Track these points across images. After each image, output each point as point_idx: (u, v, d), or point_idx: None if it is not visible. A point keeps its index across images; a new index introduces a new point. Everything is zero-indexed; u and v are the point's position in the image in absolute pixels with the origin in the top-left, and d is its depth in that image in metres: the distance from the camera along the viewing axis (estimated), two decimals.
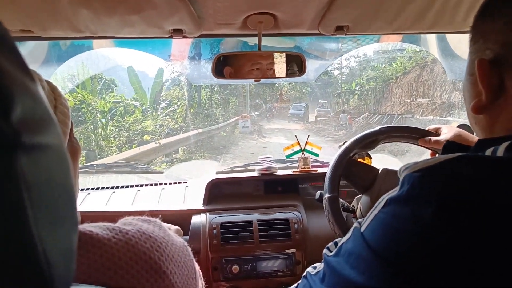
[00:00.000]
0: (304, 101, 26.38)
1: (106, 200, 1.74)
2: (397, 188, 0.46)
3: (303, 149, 1.91)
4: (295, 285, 0.69)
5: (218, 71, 1.32)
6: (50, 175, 0.28)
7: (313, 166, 1.94)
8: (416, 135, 1.16)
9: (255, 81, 1.37)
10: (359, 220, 0.52)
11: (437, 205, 0.40)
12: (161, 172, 2.36)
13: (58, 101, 0.52)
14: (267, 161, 1.86)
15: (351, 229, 0.51)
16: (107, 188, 1.90)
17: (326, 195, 1.12)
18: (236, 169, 2.12)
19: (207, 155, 10.72)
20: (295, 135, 1.98)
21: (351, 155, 1.17)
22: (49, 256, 0.26)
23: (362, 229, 0.47)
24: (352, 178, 1.16)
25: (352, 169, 1.16)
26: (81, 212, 1.54)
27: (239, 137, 14.96)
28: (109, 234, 0.49)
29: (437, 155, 0.53)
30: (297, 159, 1.93)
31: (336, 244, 0.68)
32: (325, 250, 0.60)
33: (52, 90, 0.53)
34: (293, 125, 21.43)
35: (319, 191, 1.19)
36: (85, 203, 1.72)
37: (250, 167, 2.11)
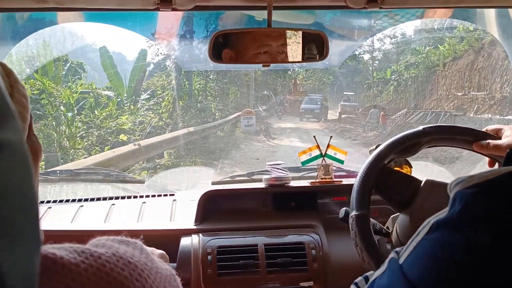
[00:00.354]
0: (325, 93, 26.35)
1: (72, 216, 1.76)
2: (446, 208, 0.46)
3: (323, 154, 1.91)
4: None
5: (216, 54, 1.31)
6: (8, 181, 0.27)
7: (336, 176, 1.93)
8: (470, 138, 1.17)
9: (263, 66, 1.37)
10: (397, 249, 0.52)
11: (499, 231, 0.40)
12: (142, 182, 2.40)
13: (14, 89, 0.52)
14: (277, 168, 1.87)
15: (387, 260, 0.52)
16: (74, 200, 1.91)
17: (353, 213, 1.13)
18: (237, 178, 2.13)
19: (200, 161, 10.76)
20: (314, 136, 1.99)
21: (385, 163, 1.19)
22: (7, 282, 0.26)
23: (401, 261, 0.47)
24: (386, 191, 1.18)
25: (386, 180, 1.17)
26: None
27: (241, 139, 14.85)
28: (78, 258, 0.48)
29: (497, 165, 0.52)
30: (316, 166, 1.93)
31: (366, 279, 0.68)
32: (352, 287, 0.58)
33: (7, 74, 0.52)
34: (309, 124, 21.55)
35: (344, 208, 1.21)
36: (45, 219, 1.72)
37: (255, 177, 2.12)
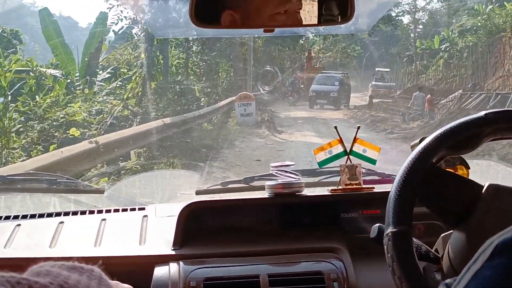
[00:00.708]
0: (349, 70, 26.24)
1: (6, 237, 1.76)
2: None
3: (348, 151, 1.95)
4: None
5: (203, 15, 1.31)
6: None
7: (366, 182, 1.96)
8: None
9: (264, 31, 1.39)
10: (447, 281, 0.55)
11: None
12: (101, 191, 2.42)
13: None
14: (286, 172, 1.90)
15: None
16: (7, 218, 1.92)
17: (390, 230, 1.14)
18: (231, 186, 2.18)
19: (181, 163, 10.90)
20: (335, 127, 2.02)
21: (433, 162, 1.20)
22: None
23: None
24: (435, 201, 1.19)
25: (435, 186, 1.19)
26: None
27: (236, 133, 14.97)
28: None
29: None
30: (337, 168, 1.96)
31: None
32: None
33: None
34: (327, 112, 21.55)
35: (377, 225, 1.23)
36: None
37: (255, 183, 2.16)
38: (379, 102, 22.31)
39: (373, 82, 27.12)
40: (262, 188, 1.95)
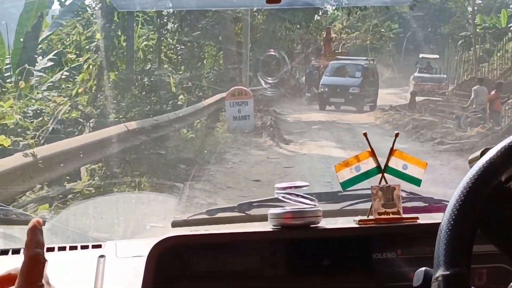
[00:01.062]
0: (382, 56, 26.14)
1: None
2: None
3: (383, 168, 1.98)
4: None
5: None
6: None
7: (407, 210, 1.98)
8: None
9: (267, 2, 1.42)
10: None
11: None
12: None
13: None
14: (297, 196, 1.92)
15: None
16: None
17: (441, 273, 1.15)
18: (220, 215, 2.20)
19: (150, 183, 11.01)
20: (364, 135, 2.04)
21: (501, 181, 1.21)
22: None
23: None
24: (504, 234, 1.21)
25: (504, 214, 1.20)
26: None
27: (227, 142, 15.10)
28: None
29: None
30: (367, 191, 2.00)
31: None
32: None
33: None
34: (353, 115, 21.28)
35: (423, 269, 1.23)
36: None
37: (253, 211, 2.20)
38: (425, 101, 22.55)
39: (416, 74, 27.01)
40: (264, 218, 1.96)
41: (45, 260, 1.04)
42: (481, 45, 25.96)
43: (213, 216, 2.12)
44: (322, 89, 22.48)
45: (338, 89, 22.48)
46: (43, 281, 1.09)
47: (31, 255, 1.09)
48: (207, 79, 18.46)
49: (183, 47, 18.60)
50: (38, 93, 14.13)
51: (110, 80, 15.19)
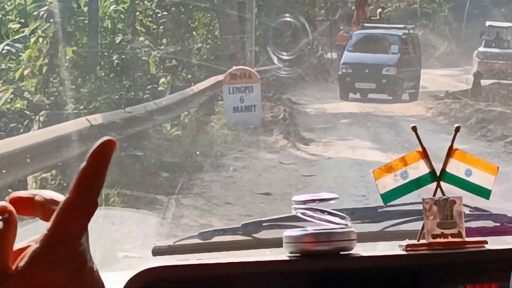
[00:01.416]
0: (436, 24, 26.21)
1: None
2: None
3: (439, 174, 2.04)
4: None
5: None
6: None
7: (471, 232, 2.03)
8: None
9: None
10: None
11: None
12: None
13: None
14: (321, 212, 2.00)
15: None
16: None
17: None
18: (217, 239, 2.30)
19: (123, 197, 11.73)
20: (413, 128, 2.10)
21: None
22: None
23: None
24: None
25: None
26: None
27: (226, 142, 16.32)
28: None
29: None
30: (418, 207, 2.09)
31: None
32: None
33: None
34: (397, 106, 21.24)
35: None
36: None
37: (262, 234, 2.30)
38: (493, 85, 24.17)
39: (482, 48, 27.22)
40: (277, 243, 2.08)
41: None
42: None
43: (209, 241, 2.24)
44: (343, 70, 22.10)
45: (366, 69, 22.17)
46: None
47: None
48: (197, 55, 19.47)
49: (165, 13, 19.19)
50: None
51: (67, 58, 16.08)
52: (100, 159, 0.91)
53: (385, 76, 21.12)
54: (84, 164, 0.94)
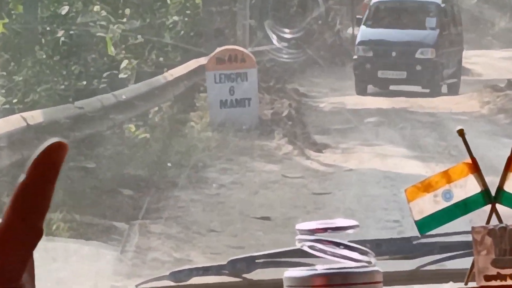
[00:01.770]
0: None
1: None
2: None
3: (495, 194, 2.09)
4: None
5: None
6: None
7: None
8: None
9: None
10: None
11: None
12: None
13: None
14: (335, 245, 1.92)
15: None
16: None
17: None
18: (196, 280, 2.60)
19: (70, 223, 11.44)
20: (459, 132, 2.13)
21: None
22: None
23: None
24: None
25: None
26: None
27: (210, 148, 14.98)
28: None
29: None
30: (466, 237, 2.20)
31: None
32: None
33: None
34: (437, 100, 20.19)
35: None
36: None
37: (256, 273, 2.54)
38: None
39: None
40: (276, 285, 2.11)
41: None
42: None
43: (184, 283, 2.35)
44: (360, 53, 19.77)
45: (393, 52, 19.71)
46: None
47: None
48: (172, 32, 17.34)
49: None
50: None
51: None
52: (46, 169, 0.82)
53: (420, 61, 18.89)
54: (22, 177, 0.84)
